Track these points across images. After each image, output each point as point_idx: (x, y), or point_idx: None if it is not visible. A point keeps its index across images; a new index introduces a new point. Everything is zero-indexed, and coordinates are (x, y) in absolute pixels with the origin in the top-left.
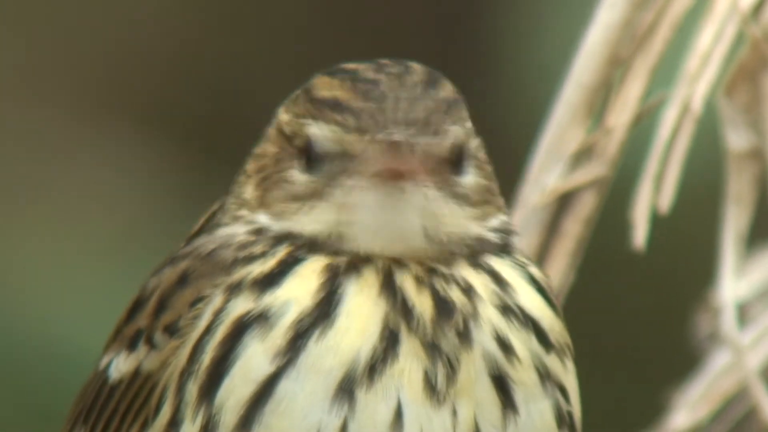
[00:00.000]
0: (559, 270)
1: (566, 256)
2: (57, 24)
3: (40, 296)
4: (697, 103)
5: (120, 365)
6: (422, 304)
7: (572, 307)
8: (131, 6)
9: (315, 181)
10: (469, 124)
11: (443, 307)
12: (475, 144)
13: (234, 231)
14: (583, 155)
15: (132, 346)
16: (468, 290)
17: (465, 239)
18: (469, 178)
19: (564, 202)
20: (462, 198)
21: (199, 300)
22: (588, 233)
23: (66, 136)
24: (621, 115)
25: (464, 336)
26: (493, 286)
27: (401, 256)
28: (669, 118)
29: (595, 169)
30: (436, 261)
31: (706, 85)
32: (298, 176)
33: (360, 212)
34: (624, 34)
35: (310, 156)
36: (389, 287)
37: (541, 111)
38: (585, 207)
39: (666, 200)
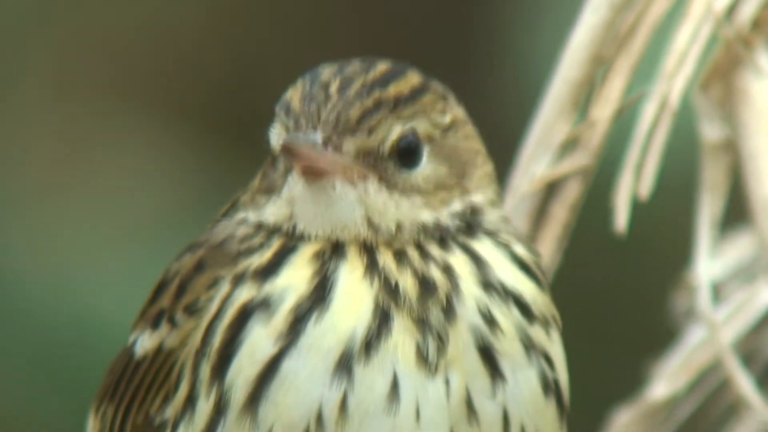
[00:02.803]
0: (547, 252)
1: (554, 240)
2: (81, 22)
3: (76, 278)
4: (675, 99)
5: (145, 342)
6: (406, 282)
7: (559, 286)
8: (152, 2)
9: (276, 177)
10: (439, 116)
11: (425, 285)
12: (447, 131)
13: (239, 223)
14: (569, 146)
15: (155, 324)
16: (447, 269)
17: (417, 225)
18: (426, 169)
19: (552, 189)
20: (410, 189)
21: (214, 284)
22: (574, 218)
23: (93, 128)
24: (604, 109)
25: (449, 311)
26: (471, 264)
27: (352, 240)
28: (648, 112)
29: (580, 159)
30: (402, 244)
31: (683, 81)
32: (271, 173)
33: (301, 205)
34: (607, 34)
35: (273, 155)
36: (373, 268)
37: (530, 105)
38: (571, 194)
39: (645, 187)
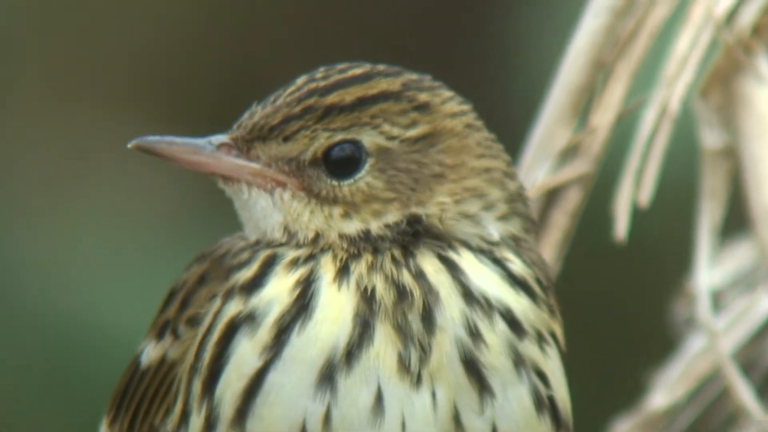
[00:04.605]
0: (546, 260)
1: (554, 247)
2: (86, 27)
3: (80, 282)
4: (675, 105)
5: (150, 352)
6: (379, 287)
7: (558, 294)
8: (156, 6)
9: None
10: (400, 128)
11: (399, 290)
12: (416, 142)
13: (240, 236)
14: (569, 153)
15: (160, 335)
16: (419, 275)
17: (338, 235)
18: (360, 182)
19: (552, 196)
20: (332, 200)
21: (212, 298)
22: (574, 225)
23: (97, 132)
24: (604, 116)
25: (428, 320)
26: (447, 273)
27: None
28: (648, 118)
29: (580, 166)
30: (349, 250)
31: (683, 87)
32: None
33: (239, 211)
34: (607, 40)
35: None
36: (344, 273)
37: (530, 111)
38: (571, 201)
39: (646, 194)
